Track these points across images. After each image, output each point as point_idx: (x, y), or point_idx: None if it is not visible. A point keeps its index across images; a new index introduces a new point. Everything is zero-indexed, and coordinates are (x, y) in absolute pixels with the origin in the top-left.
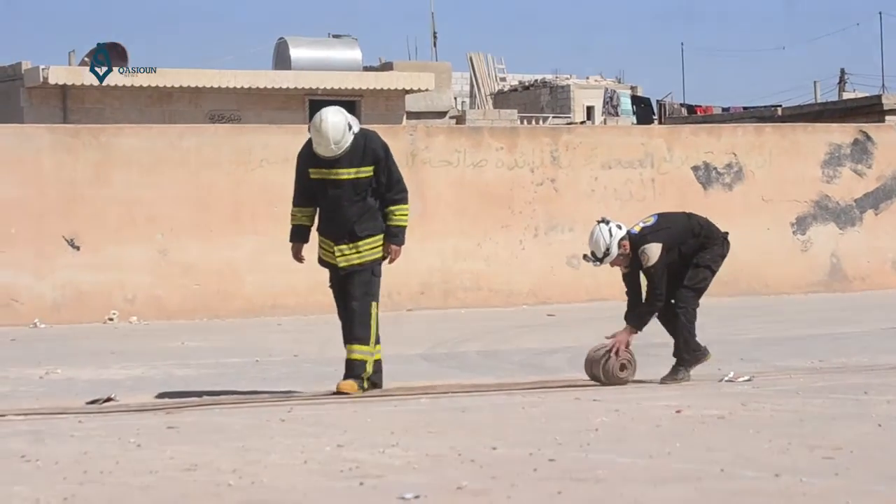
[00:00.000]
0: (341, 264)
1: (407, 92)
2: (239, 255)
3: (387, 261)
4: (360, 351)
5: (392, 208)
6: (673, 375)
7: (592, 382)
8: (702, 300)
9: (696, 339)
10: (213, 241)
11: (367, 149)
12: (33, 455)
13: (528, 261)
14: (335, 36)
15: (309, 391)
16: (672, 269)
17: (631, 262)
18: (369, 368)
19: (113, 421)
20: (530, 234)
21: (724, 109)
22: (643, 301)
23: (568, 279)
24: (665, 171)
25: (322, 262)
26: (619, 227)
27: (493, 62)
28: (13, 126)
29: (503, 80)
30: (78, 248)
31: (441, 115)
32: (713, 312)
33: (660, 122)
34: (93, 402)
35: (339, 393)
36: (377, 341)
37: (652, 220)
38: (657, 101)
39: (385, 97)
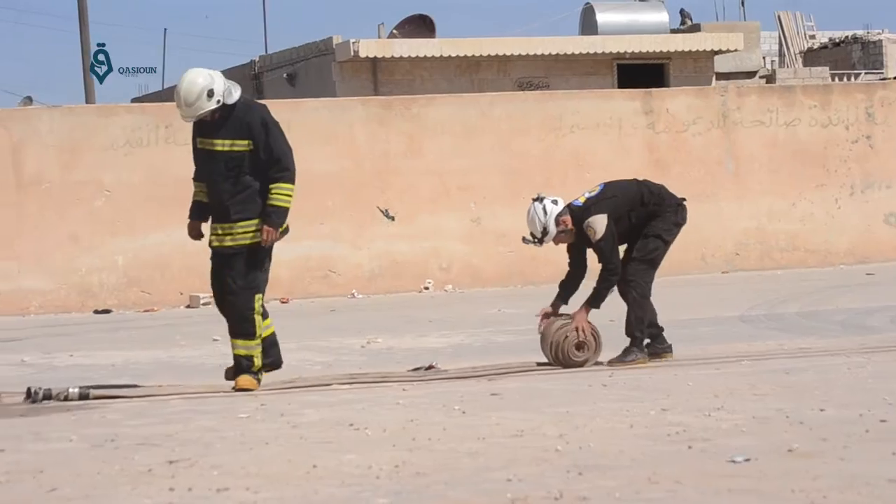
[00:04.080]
0: (213, 244)
1: (715, 53)
2: None
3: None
4: (244, 346)
5: (271, 186)
6: (623, 357)
7: None
8: None
9: (651, 318)
10: (525, 207)
11: (243, 122)
12: (361, 423)
13: (844, 219)
14: None
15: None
16: (625, 240)
17: (577, 237)
18: (258, 361)
19: (436, 388)
20: (846, 192)
21: None
22: (595, 277)
23: (886, 237)
24: None
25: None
26: (556, 203)
27: (801, 20)
28: (327, 100)
29: (812, 37)
30: (393, 219)
31: (750, 75)
32: None
33: None
34: (415, 370)
35: (239, 390)
36: (261, 335)
37: (597, 190)
38: None
39: (693, 59)
